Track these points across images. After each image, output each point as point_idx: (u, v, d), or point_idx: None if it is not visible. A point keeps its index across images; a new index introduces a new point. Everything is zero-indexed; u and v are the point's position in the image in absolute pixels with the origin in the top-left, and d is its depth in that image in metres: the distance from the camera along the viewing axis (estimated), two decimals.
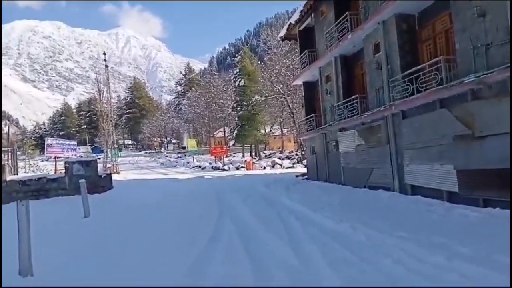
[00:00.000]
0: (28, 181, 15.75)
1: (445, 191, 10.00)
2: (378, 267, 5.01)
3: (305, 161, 32.29)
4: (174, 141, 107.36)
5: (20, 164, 30.22)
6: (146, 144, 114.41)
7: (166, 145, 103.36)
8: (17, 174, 19.39)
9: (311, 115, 20.24)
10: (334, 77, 16.95)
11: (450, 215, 8.24)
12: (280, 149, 55.82)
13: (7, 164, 18.04)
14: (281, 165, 37.31)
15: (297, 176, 23.30)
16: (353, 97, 14.92)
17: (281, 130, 54.82)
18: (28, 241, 5.31)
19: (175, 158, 65.72)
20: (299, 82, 23.02)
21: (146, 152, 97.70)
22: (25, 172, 36.45)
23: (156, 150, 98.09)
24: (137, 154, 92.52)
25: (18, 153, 26.88)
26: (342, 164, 16.44)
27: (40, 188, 15.57)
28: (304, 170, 25.61)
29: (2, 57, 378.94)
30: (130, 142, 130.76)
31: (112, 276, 5.07)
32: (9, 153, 23.20)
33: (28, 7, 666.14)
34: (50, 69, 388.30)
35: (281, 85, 39.87)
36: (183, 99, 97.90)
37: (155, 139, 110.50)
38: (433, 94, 10.08)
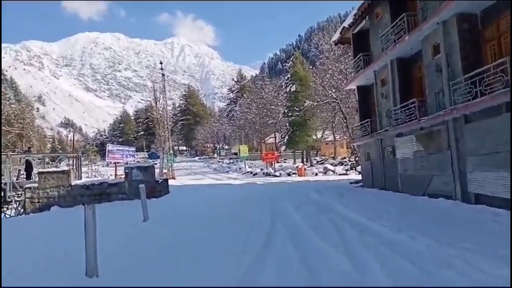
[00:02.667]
0: (91, 185, 16.75)
1: None
2: (440, 279, 4.80)
3: (359, 168, 31.62)
4: (226, 147, 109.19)
5: (83, 169, 32.01)
6: (199, 150, 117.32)
7: (218, 151, 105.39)
8: (81, 179, 20.58)
9: (365, 120, 19.79)
10: (390, 80, 16.49)
11: None
12: (333, 155, 55.03)
13: (72, 169, 19.25)
14: (333, 171, 36.75)
15: (351, 183, 22.83)
16: (410, 101, 14.40)
17: (334, 135, 54.05)
18: (94, 243, 5.63)
19: (227, 163, 66.76)
20: (352, 86, 22.63)
21: (199, 158, 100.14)
22: (87, 177, 38.63)
23: (209, 156, 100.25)
24: (191, 160, 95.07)
25: (81, 158, 28.55)
26: (399, 171, 15.91)
27: (102, 192, 16.51)
28: (358, 177, 25.08)
29: (67, 67, 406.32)
30: (184, 148, 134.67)
31: (170, 278, 5.27)
32: (74, 159, 24.70)
33: (90, 20, 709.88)
34: (110, 79, 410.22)
35: (334, 90, 39.36)
36: (235, 106, 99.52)
37: (208, 145, 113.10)
38: (498, 97, 9.51)
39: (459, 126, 11.75)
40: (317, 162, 49.03)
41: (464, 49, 11.54)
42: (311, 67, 53.21)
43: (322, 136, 57.68)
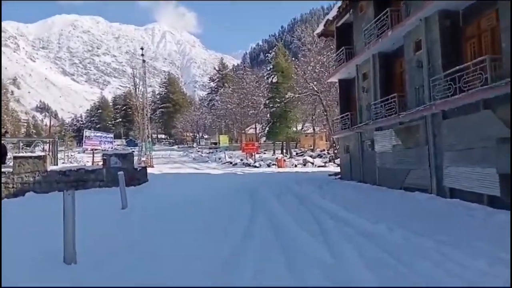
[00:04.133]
0: (68, 171, 16.44)
1: (486, 195, 9.69)
2: (416, 269, 4.94)
3: (337, 160, 31.99)
4: (206, 136, 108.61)
5: (59, 155, 31.39)
6: (179, 139, 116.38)
7: (198, 140, 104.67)
8: (57, 165, 20.17)
9: (346, 113, 20.01)
10: (372, 74, 16.68)
11: (492, 220, 7.98)
12: (312, 147, 55.49)
13: (48, 154, 18.84)
14: (312, 163, 37.06)
15: (329, 175, 23.12)
16: (391, 95, 14.63)
17: (313, 128, 54.43)
18: (73, 230, 5.55)
19: (207, 153, 66.50)
20: (334, 79, 22.80)
21: (178, 147, 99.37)
22: (63, 163, 37.89)
23: (189, 145, 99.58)
24: (170, 149, 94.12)
25: (58, 144, 27.98)
26: (378, 164, 16.18)
27: (79, 179, 16.22)
28: (337, 169, 25.39)
29: (43, 50, 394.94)
30: (163, 136, 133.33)
31: (148, 266, 5.26)
32: (50, 144, 24.21)
33: (69, 2, 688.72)
34: (88, 63, 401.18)
35: (315, 82, 39.53)
36: (216, 95, 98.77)
37: (188, 134, 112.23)
38: (477, 94, 9.76)
39: (437, 121, 12.00)
40: (297, 154, 49.33)
41: (445, 45, 11.76)
42: (293, 58, 53.26)
43: (302, 128, 58.03)
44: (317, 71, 40.02)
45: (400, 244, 6.21)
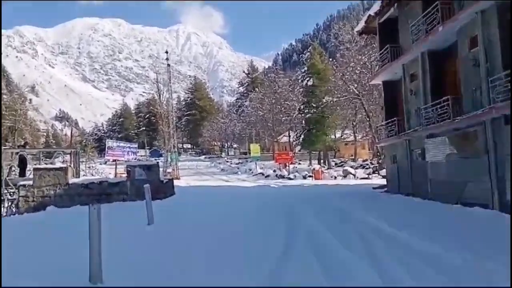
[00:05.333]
0: (90, 184, 16.89)
1: None
2: None
3: (382, 171, 31.42)
4: (235, 145, 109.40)
5: (81, 166, 32.35)
6: (206, 148, 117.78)
7: (226, 150, 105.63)
8: (79, 177, 20.77)
9: (392, 119, 19.65)
10: (421, 75, 16.33)
11: None
12: (353, 157, 54.70)
13: (70, 166, 19.42)
14: (354, 175, 36.57)
15: (374, 188, 22.72)
16: (443, 98, 14.25)
17: (354, 135, 53.78)
18: (99, 247, 5.66)
19: (237, 164, 66.94)
20: (378, 81, 22.51)
21: (206, 157, 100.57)
22: (84, 175, 39.02)
23: (217, 155, 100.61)
24: (197, 159, 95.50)
25: (79, 155, 28.83)
26: (429, 175, 15.77)
27: (102, 192, 16.62)
28: (382, 182, 24.92)
29: (63, 56, 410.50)
30: (189, 146, 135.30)
31: (173, 284, 5.33)
32: (71, 155, 24.94)
33: (89, 4, 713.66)
34: (109, 69, 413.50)
35: (356, 85, 39.20)
36: (245, 101, 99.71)
37: (216, 143, 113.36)
38: None
39: (498, 127, 11.59)
40: (336, 164, 48.86)
41: (505, 42, 11.38)
42: (330, 59, 53.09)
43: (341, 135, 57.48)
44: (357, 72, 39.66)
45: (459, 267, 6.00)
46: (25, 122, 77.90)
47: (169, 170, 42.19)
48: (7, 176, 19.45)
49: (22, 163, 20.57)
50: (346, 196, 17.92)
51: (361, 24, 23.28)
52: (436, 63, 15.82)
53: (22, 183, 16.91)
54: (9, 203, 18.17)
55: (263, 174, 44.00)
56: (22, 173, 20.53)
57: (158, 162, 21.22)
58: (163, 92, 49.28)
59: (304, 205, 15.12)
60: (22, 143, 37.54)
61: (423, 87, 16.22)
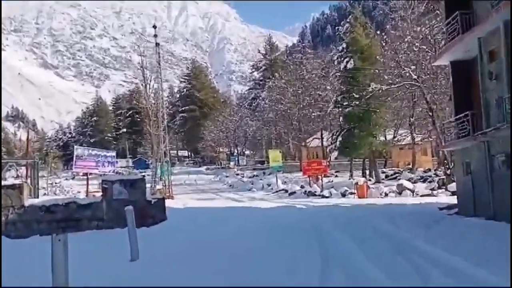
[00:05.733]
0: (53, 206, 17.02)
1: None
2: None
3: (451, 186, 31.04)
4: (248, 152, 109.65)
5: (40, 182, 32.69)
6: (208, 157, 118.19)
7: (236, 159, 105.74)
8: (37, 197, 21.02)
9: (464, 114, 19.43)
10: (504, 52, 16.11)
11: None
12: (410, 167, 54.25)
13: (25, 182, 19.65)
14: (412, 191, 36.24)
15: (440, 209, 22.50)
16: None
17: (412, 136, 53.34)
18: None
19: (250, 177, 67.02)
20: (443, 61, 22.34)
21: (208, 168, 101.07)
22: (45, 193, 39.42)
23: (223, 165, 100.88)
24: (196, 171, 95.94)
25: (38, 167, 29.09)
26: None
27: (68, 217, 16.76)
28: (451, 200, 24.63)
29: (15, 34, 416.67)
30: (186, 153, 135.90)
31: None
32: (28, 168, 25.25)
33: None
34: (78, 50, 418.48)
35: (413, 67, 38.84)
36: (261, 91, 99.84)
37: (221, 149, 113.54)
38: None
39: None
40: (387, 176, 48.51)
41: None
42: (377, 32, 52.71)
43: (394, 137, 57.06)
44: (415, 49, 39.30)
45: None
46: None
47: (159, 186, 42.37)
48: None
49: None
50: (401, 220, 17.75)
51: None
52: None
53: None
54: None
55: (286, 191, 43.88)
56: None
57: (144, 176, 21.36)
58: (151, 81, 49.52)
59: (343, 230, 15.02)
60: None
61: (506, 69, 16.00)
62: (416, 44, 39.27)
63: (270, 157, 58.69)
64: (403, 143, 58.62)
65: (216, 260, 11.23)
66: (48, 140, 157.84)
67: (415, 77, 38.20)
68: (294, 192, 42.28)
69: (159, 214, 17.73)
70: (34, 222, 16.56)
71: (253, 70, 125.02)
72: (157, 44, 45.47)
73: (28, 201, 17.19)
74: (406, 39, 40.44)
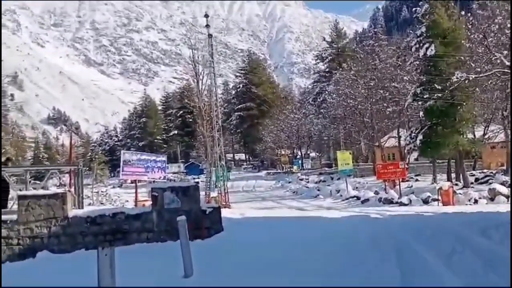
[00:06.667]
0: (99, 217, 17.34)
1: None
2: None
3: None
4: (313, 154, 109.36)
5: (86, 191, 33.43)
6: (268, 160, 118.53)
7: (300, 162, 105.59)
8: (82, 207, 21.46)
9: None
10: None
11: None
12: (504, 168, 52.83)
13: (69, 191, 20.06)
14: (507, 196, 35.22)
15: None
16: None
17: (506, 132, 51.92)
18: None
19: (316, 182, 66.90)
20: None
21: (268, 173, 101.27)
22: (90, 204, 40.35)
23: (285, 170, 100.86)
24: (255, 176, 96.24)
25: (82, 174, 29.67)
26: None
27: (116, 229, 17.04)
28: None
29: (56, 29, 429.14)
30: (243, 156, 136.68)
31: None
32: (71, 175, 25.73)
33: None
34: (123, 45, 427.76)
35: (505, 52, 37.82)
36: (328, 84, 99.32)
37: (283, 151, 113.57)
38: None
39: None
40: (477, 180, 47.33)
41: None
42: (462, 13, 51.55)
43: (484, 134, 55.66)
44: (507, 31, 38.27)
45: None
46: (5, 128, 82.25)
47: (214, 194, 42.72)
48: None
49: (3, 189, 21.52)
50: (497, 232, 17.18)
51: None
52: None
53: (2, 218, 17.65)
54: None
55: (358, 198, 43.47)
56: (3, 204, 21.45)
57: (197, 183, 21.54)
58: (203, 77, 49.93)
59: (429, 250, 14.68)
60: (5, 158, 39.69)
61: None
62: (509, 25, 38.25)
63: (338, 159, 58.18)
64: (495, 141, 57.18)
65: (281, 280, 11.19)
66: (93, 144, 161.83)
67: (508, 63, 37.19)
68: (368, 200, 41.79)
69: (214, 225, 17.80)
70: (78, 235, 16.89)
71: (318, 61, 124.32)
72: (209, 36, 45.81)
73: (72, 212, 17.57)
74: (496, 20, 39.45)
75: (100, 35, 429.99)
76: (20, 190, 19.49)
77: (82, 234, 16.86)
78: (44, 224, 16.97)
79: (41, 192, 19.02)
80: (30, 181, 22.44)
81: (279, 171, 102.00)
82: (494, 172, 51.92)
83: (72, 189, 21.46)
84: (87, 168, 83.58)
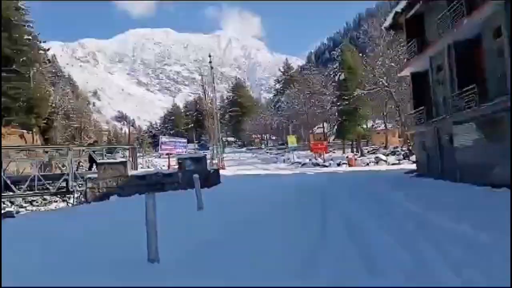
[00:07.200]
0: (147, 175, 17.42)
1: None
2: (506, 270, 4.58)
3: (412, 157, 30.57)
4: (274, 137, 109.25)
5: (138, 160, 33.47)
6: (247, 141, 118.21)
7: (266, 142, 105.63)
8: (137, 170, 21.44)
9: (420, 108, 19.08)
10: (447, 66, 15.72)
11: None
12: (384, 145, 53.47)
13: (129, 160, 20.05)
14: (386, 161, 35.76)
15: (405, 172, 22.20)
16: (470, 86, 13.68)
17: (385, 124, 52.52)
18: (155, 230, 5.82)
19: (275, 154, 66.92)
20: (406, 73, 21.86)
21: (247, 149, 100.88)
22: (142, 167, 40.16)
23: (257, 147, 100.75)
24: (239, 151, 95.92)
25: (136, 150, 29.70)
26: (458, 160, 15.20)
27: (157, 182, 17.11)
28: (412, 167, 24.30)
29: (120, 63, 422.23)
30: (232, 139, 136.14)
31: (228, 266, 5.38)
32: (130, 151, 25.74)
33: (141, 16, 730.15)
34: (160, 73, 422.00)
35: (385, 77, 38.22)
36: (282, 97, 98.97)
37: (256, 136, 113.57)
38: None
39: None
40: (368, 152, 47.94)
41: None
42: (360, 54, 51.75)
43: (373, 125, 56.27)
44: (386, 65, 38.65)
45: (488, 244, 5.79)
46: (89, 123, 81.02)
47: (215, 161, 42.77)
48: (76, 170, 20.37)
49: (92, 160, 21.42)
50: (379, 180, 17.63)
51: (389, 20, 22.67)
52: (461, 53, 15.16)
53: (88, 176, 17.64)
54: (78, 194, 19.03)
55: (300, 163, 43.75)
56: (91, 168, 21.36)
57: (205, 155, 21.58)
58: (208, 92, 50.06)
59: (340, 189, 15.02)
60: (92, 141, 39.12)
61: (449, 77, 15.63)
62: (387, 61, 38.62)
63: (288, 140, 58.44)
64: (379, 129, 57.80)
65: (258, 205, 11.35)
66: (142, 132, 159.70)
67: (386, 84, 37.65)
68: (305, 164, 42.10)
69: (216, 179, 17.96)
70: (134, 185, 16.92)
71: (276, 83, 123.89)
72: (211, 68, 45.58)
73: (130, 172, 17.60)
74: (380, 59, 39.83)
75: (146, 67, 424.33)
76: (99, 159, 19.39)
77: (136, 185, 16.89)
78: (114, 179, 17.00)
79: (112, 160, 19.01)
80: (105, 155, 22.23)
81: (254, 148, 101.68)
82: (378, 147, 52.59)
83: (131, 159, 21.41)
84: (139, 147, 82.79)
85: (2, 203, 18.22)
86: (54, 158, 23.45)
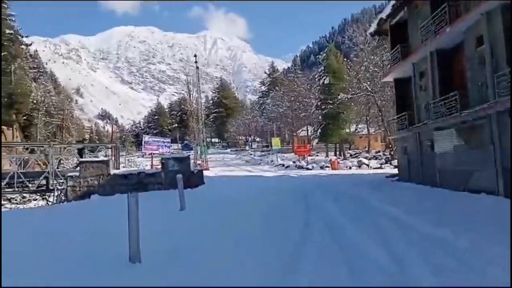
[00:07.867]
0: (129, 175, 17.23)
1: None
2: (487, 276, 4.68)
3: (394, 162, 30.97)
4: (258, 139, 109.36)
5: (121, 159, 33.04)
6: (232, 142, 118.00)
7: (250, 144, 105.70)
8: (119, 169, 21.19)
9: (403, 113, 19.33)
10: (430, 72, 16.00)
11: None
12: (367, 149, 54.07)
13: (111, 159, 19.82)
14: (368, 165, 36.12)
15: (387, 177, 22.43)
16: (451, 94, 13.94)
17: (368, 129, 53.11)
18: (137, 231, 5.76)
19: (259, 156, 66.91)
20: (389, 79, 22.13)
21: (231, 150, 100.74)
22: (124, 167, 39.67)
23: (241, 148, 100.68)
24: (224, 152, 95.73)
25: (119, 149, 29.32)
26: (438, 165, 15.47)
27: (139, 182, 16.95)
28: (394, 171, 24.60)
29: (103, 61, 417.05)
30: (217, 140, 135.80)
31: (209, 265, 5.37)
32: (112, 149, 25.46)
33: (126, 14, 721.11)
34: (145, 72, 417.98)
35: (369, 82, 38.61)
36: (267, 99, 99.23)
37: (240, 138, 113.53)
38: None
39: (503, 120, 11.29)
40: (351, 155, 48.32)
41: (509, 40, 11.07)
42: (345, 59, 52.21)
43: (356, 129, 56.81)
44: (370, 71, 39.08)
45: (466, 249, 5.90)
46: (71, 120, 79.67)
47: (199, 161, 42.56)
48: (56, 168, 20.03)
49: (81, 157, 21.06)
50: (361, 184, 17.77)
51: (374, 26, 22.95)
52: (444, 61, 15.48)
53: (69, 174, 17.37)
54: (59, 192, 18.72)
55: (283, 165, 43.87)
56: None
57: (189, 155, 21.47)
58: (193, 92, 49.78)
59: (322, 192, 15.08)
60: (81, 139, 38.47)
61: (432, 84, 15.90)
62: (371, 67, 39.07)
63: (272, 142, 58.57)
64: (362, 133, 58.36)
65: (239, 206, 11.35)
66: (125, 131, 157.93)
67: (370, 89, 38.02)
68: (289, 166, 42.24)
69: (199, 180, 17.90)
70: (116, 185, 16.77)
71: (261, 85, 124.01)
72: (197, 68, 45.38)
73: (112, 171, 17.40)
74: (364, 64, 40.25)
75: (131, 65, 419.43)
76: (80, 158, 19.13)
77: (118, 184, 16.73)
78: (95, 178, 16.78)
79: (93, 159, 18.78)
80: (87, 153, 21.93)
81: (238, 149, 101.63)
82: (361, 151, 53.11)
83: (113, 158, 21.16)
84: (122, 146, 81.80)
85: None
86: (34, 155, 23.01)
